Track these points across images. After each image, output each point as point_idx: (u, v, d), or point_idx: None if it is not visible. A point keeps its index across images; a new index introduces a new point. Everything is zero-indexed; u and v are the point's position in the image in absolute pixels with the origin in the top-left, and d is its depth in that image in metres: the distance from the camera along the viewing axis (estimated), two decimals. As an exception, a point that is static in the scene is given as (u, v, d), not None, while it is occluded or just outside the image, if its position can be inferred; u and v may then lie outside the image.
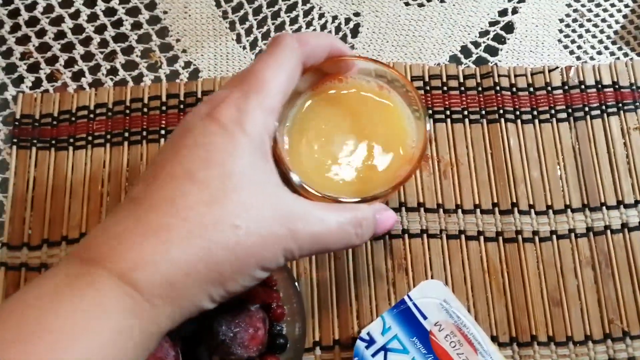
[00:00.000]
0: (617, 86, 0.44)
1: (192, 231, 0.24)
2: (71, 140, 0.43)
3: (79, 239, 0.41)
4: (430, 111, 0.44)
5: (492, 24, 0.46)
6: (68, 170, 0.42)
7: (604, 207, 0.41)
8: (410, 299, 0.33)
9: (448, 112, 0.44)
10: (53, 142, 0.43)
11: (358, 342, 0.32)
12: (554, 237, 0.41)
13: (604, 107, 0.44)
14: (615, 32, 0.46)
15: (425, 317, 0.32)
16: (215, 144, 0.25)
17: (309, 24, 0.47)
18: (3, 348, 0.20)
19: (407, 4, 0.47)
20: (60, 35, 0.46)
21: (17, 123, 0.43)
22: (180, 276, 0.24)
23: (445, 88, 0.44)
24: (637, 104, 0.44)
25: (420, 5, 0.47)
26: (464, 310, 0.32)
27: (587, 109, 0.44)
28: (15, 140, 0.43)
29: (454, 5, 0.47)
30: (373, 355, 0.32)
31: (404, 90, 0.33)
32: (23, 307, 0.22)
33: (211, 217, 0.24)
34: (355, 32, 0.46)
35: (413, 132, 0.32)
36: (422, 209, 0.42)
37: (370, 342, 0.32)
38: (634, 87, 0.44)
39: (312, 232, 0.27)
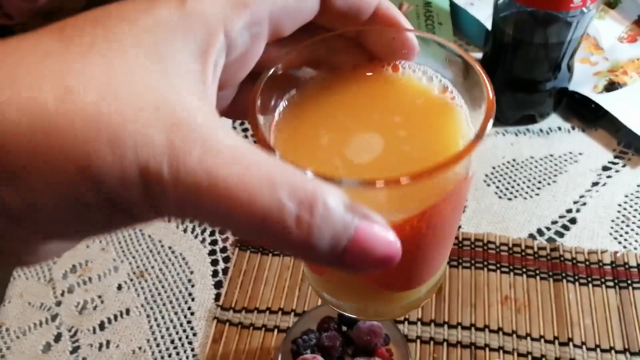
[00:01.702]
0: (654, 270, 0.61)
1: (15, 75, 0.16)
2: (272, 250, 0.68)
3: (265, 311, 0.62)
4: (511, 267, 0.63)
5: (560, 217, 0.67)
6: (266, 268, 0.66)
7: (641, 353, 0.56)
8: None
9: (524, 270, 0.63)
10: (261, 249, 0.68)
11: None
12: (601, 368, 0.55)
13: (643, 282, 0.60)
14: (654, 234, 0.64)
15: (493, 384, 0.48)
16: (123, 11, 0.18)
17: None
18: None
19: (500, 197, 0.70)
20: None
21: (240, 235, 0.69)
22: None
23: (523, 254, 0.64)
24: (671, 284, 0.60)
25: (509, 199, 0.69)
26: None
27: (629, 282, 0.60)
28: (238, 245, 0.69)
29: (533, 201, 0.69)
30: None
31: (477, 92, 0.23)
32: None
33: (38, 66, 0.16)
34: (463, 211, 0.69)
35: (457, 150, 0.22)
36: (500, 332, 0.58)
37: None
38: (668, 273, 0.61)
39: (212, 169, 0.16)
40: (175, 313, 0.64)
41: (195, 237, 0.71)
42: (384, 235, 0.18)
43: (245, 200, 0.16)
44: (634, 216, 0.66)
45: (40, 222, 0.16)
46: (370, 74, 0.25)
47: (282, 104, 0.24)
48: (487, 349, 0.57)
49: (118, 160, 0.15)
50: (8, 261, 0.19)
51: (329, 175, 0.18)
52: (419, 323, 0.60)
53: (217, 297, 0.65)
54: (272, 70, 0.22)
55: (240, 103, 0.22)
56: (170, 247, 0.70)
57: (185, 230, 0.71)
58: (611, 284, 0.61)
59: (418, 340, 0.59)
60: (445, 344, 0.58)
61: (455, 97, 0.24)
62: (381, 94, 0.25)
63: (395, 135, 0.23)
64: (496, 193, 0.70)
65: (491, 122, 0.21)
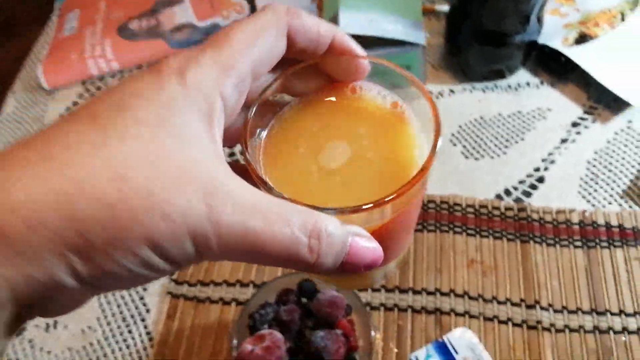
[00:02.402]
0: (622, 227, 0.59)
1: (53, 170, 0.18)
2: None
3: (221, 284, 0.59)
4: (477, 229, 0.61)
5: (528, 176, 0.65)
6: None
7: (608, 313, 0.54)
8: (448, 339, 0.47)
9: (491, 231, 0.60)
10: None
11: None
12: (567, 330, 0.54)
13: (611, 241, 0.58)
14: (623, 190, 0.62)
15: (457, 352, 0.46)
16: (138, 89, 0.21)
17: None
18: None
19: (466, 157, 0.67)
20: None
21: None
22: (21, 228, 0.18)
23: (490, 215, 0.62)
24: (638, 242, 0.58)
25: (476, 159, 0.67)
26: (485, 353, 0.46)
27: (597, 241, 0.59)
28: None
29: (500, 161, 0.66)
30: (418, 373, 0.46)
31: (423, 109, 0.27)
32: None
33: (91, 159, 0.19)
34: (428, 171, 0.66)
35: (419, 157, 0.27)
36: (466, 296, 0.56)
37: (417, 363, 0.46)
38: (636, 230, 0.59)
39: (245, 223, 0.20)
40: (127, 290, 0.60)
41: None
42: (369, 246, 0.23)
43: (270, 241, 0.21)
44: (603, 173, 0.64)
45: (104, 285, 0.20)
46: (334, 96, 0.29)
47: (265, 132, 0.29)
48: (452, 314, 0.55)
49: (171, 230, 0.19)
50: (56, 314, 0.22)
51: (324, 206, 0.23)
52: (382, 290, 0.58)
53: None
54: (254, 109, 0.27)
55: (227, 133, 0.25)
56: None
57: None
58: (579, 244, 0.59)
59: (382, 308, 0.57)
60: (409, 310, 0.56)
61: (405, 111, 0.29)
62: (344, 111, 0.29)
63: (360, 145, 0.28)
64: (462, 153, 0.67)
65: (441, 139, 0.26)
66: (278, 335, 0.47)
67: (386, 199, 0.23)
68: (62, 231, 0.18)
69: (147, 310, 0.59)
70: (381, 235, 0.25)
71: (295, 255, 0.21)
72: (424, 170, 0.25)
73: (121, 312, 0.59)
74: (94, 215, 0.18)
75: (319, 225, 0.22)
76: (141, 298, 0.60)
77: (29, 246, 0.18)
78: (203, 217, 0.20)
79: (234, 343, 0.49)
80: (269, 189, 0.24)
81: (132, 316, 0.59)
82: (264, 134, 0.29)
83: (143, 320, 0.58)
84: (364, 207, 0.23)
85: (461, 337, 0.46)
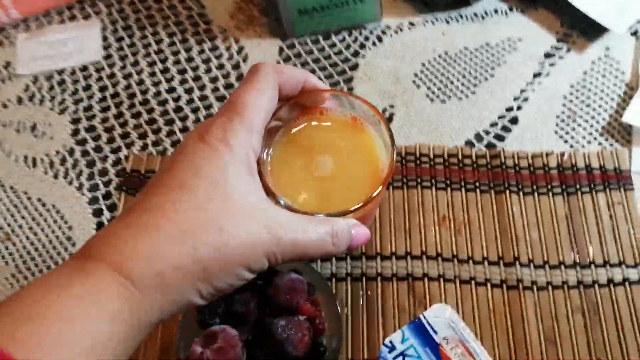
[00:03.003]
0: (604, 169, 0.54)
1: (180, 231, 0.27)
2: (167, 190, 0.56)
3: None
4: (448, 181, 0.54)
5: (500, 117, 0.58)
6: (162, 213, 0.54)
7: (592, 265, 0.50)
8: (425, 318, 0.42)
9: (463, 183, 0.54)
10: (153, 191, 0.56)
11: (383, 347, 0.41)
12: (550, 287, 0.49)
13: (592, 185, 0.53)
14: (602, 127, 0.57)
15: (435, 332, 0.41)
16: (204, 159, 0.29)
17: (354, 112, 0.60)
18: (6, 329, 0.23)
19: (432, 100, 0.60)
20: (164, 112, 0.60)
21: (127, 175, 0.56)
22: (169, 270, 0.26)
23: (461, 164, 0.55)
24: (621, 184, 0.53)
25: (442, 101, 0.60)
26: (467, 329, 0.41)
27: (578, 186, 0.54)
28: (124, 187, 0.56)
29: (469, 102, 0.59)
30: (394, 358, 0.40)
31: (375, 120, 0.37)
32: (18, 301, 0.25)
33: (197, 220, 0.27)
34: (390, 119, 0.59)
35: (383, 157, 0.37)
36: (439, 258, 0.51)
37: (392, 348, 0.41)
38: (618, 171, 0.54)
39: (293, 238, 0.30)
40: (56, 280, 0.52)
41: (70, 183, 0.57)
42: (364, 231, 0.35)
43: (310, 246, 0.31)
44: (581, 109, 0.58)
45: (216, 295, 0.29)
46: (309, 119, 0.39)
47: (268, 152, 0.37)
48: (425, 279, 0.50)
49: (255, 255, 0.29)
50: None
51: (333, 212, 0.34)
52: (348, 259, 0.52)
53: (105, 255, 0.53)
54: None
55: None
56: (39, 200, 0.56)
57: (56, 176, 0.57)
58: (558, 190, 0.54)
59: (348, 278, 0.51)
60: (379, 278, 0.50)
61: (363, 123, 0.38)
62: (318, 126, 0.39)
63: (339, 155, 0.38)
64: (427, 95, 0.60)
65: (395, 149, 0.36)
66: (232, 332, 0.40)
67: (357, 207, 0.34)
68: (192, 270, 0.27)
69: (82, 303, 0.51)
70: (360, 218, 0.36)
71: (324, 251, 0.31)
72: (386, 178, 0.35)
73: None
74: (210, 256, 0.27)
75: (335, 228, 0.32)
76: (73, 290, 0.52)
77: (173, 282, 0.26)
78: (271, 242, 0.29)
79: (180, 344, 0.42)
80: (277, 201, 0.33)
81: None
82: (268, 154, 0.37)
83: (78, 315, 0.51)
84: (351, 209, 0.34)
85: (439, 314, 0.41)
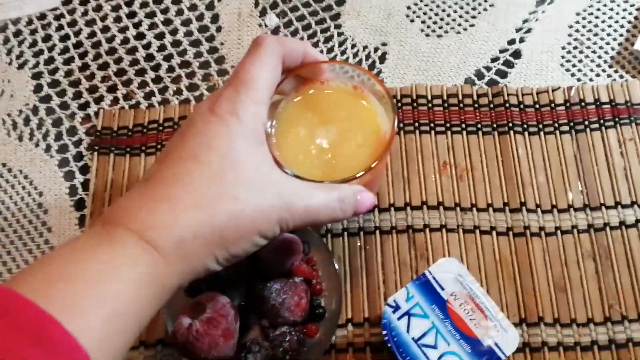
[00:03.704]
0: (613, 103, 0.50)
1: (198, 201, 0.28)
2: (143, 148, 0.51)
3: (148, 230, 0.48)
4: (448, 124, 0.50)
5: (502, 51, 0.54)
6: (140, 173, 0.50)
7: (603, 207, 0.47)
8: (430, 273, 0.39)
9: (464, 125, 0.50)
10: (128, 149, 0.51)
11: (386, 307, 0.38)
12: (559, 232, 0.46)
13: (602, 121, 0.50)
14: (612, 57, 0.53)
15: (442, 288, 0.38)
16: (214, 131, 0.30)
17: (343, 53, 0.54)
18: (33, 288, 0.24)
19: (427, 35, 0.55)
20: (134, 62, 0.55)
21: (98, 134, 0.52)
22: (189, 237, 0.28)
23: (461, 105, 0.51)
24: (632, 118, 0.50)
25: (439, 36, 0.55)
26: (476, 284, 0.38)
27: (587, 122, 0.50)
28: (96, 147, 0.51)
29: (468, 35, 0.54)
30: (399, 319, 0.37)
31: (375, 87, 0.37)
32: (48, 262, 0.26)
33: (213, 190, 0.29)
34: (382, 59, 0.54)
35: (385, 123, 0.37)
36: (441, 207, 0.48)
37: (396, 307, 0.38)
38: (629, 104, 0.50)
39: (304, 205, 0.31)
40: (30, 251, 0.49)
41: (36, 145, 0.52)
42: (369, 196, 0.35)
43: (321, 212, 0.32)
44: (588, 39, 0.54)
45: (231, 261, 0.30)
46: (311, 89, 0.39)
47: (272, 124, 0.37)
48: (427, 230, 0.47)
49: (269, 222, 0.30)
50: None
51: (338, 179, 0.34)
52: (343, 213, 0.48)
53: (81, 221, 0.49)
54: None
55: None
56: (4, 165, 0.51)
57: (20, 138, 0.52)
58: (566, 128, 0.50)
59: (345, 234, 0.47)
60: (377, 232, 0.47)
61: (363, 91, 0.38)
62: (320, 96, 0.39)
63: (341, 123, 0.38)
64: (422, 30, 0.55)
65: (397, 117, 0.37)
66: (223, 299, 0.37)
67: (360, 174, 0.34)
68: (210, 238, 0.28)
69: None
70: (366, 184, 0.36)
71: (333, 216, 0.33)
72: (388, 146, 0.35)
73: (28, 281, 0.48)
74: (227, 224, 0.29)
75: (342, 194, 0.33)
76: (50, 260, 0.48)
77: (193, 249, 0.28)
78: (283, 209, 0.30)
79: (167, 314, 0.39)
80: (283, 172, 0.33)
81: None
82: (272, 126, 0.37)
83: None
84: (354, 176, 0.34)
85: (446, 269, 0.38)
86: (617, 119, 0.50)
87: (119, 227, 0.27)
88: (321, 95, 0.38)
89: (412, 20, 0.55)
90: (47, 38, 0.56)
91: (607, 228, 0.46)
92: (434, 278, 0.38)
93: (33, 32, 0.56)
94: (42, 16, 0.57)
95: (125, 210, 0.28)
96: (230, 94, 0.31)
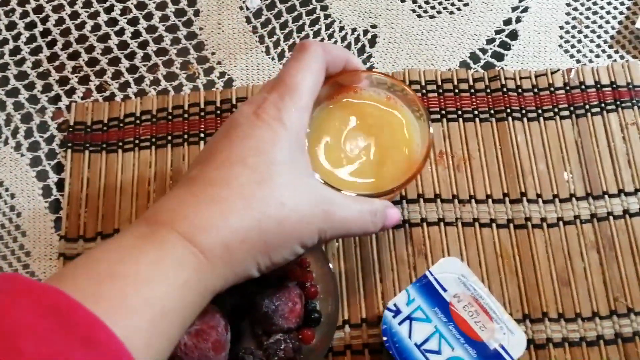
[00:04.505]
0: (615, 85, 0.48)
1: (246, 204, 0.28)
2: (120, 143, 0.48)
3: (129, 232, 0.45)
4: (443, 111, 0.48)
5: (497, 32, 0.51)
6: (118, 171, 0.47)
7: (606, 196, 0.45)
8: (431, 274, 0.37)
9: (460, 112, 0.48)
10: (104, 145, 0.48)
11: (386, 312, 0.36)
12: (561, 223, 0.44)
13: (603, 104, 0.48)
14: (612, 37, 0.50)
15: (445, 290, 0.36)
16: (262, 136, 0.30)
17: (330, 36, 0.51)
18: (82, 287, 0.23)
19: (419, 16, 0.52)
20: (107, 50, 0.51)
21: (71, 129, 0.48)
22: (236, 242, 0.27)
23: (456, 90, 0.49)
24: (634, 101, 0.48)
25: (432, 17, 0.52)
26: (479, 284, 0.36)
27: (587, 106, 0.48)
28: (69, 144, 0.48)
29: (462, 16, 0.52)
30: (400, 323, 0.35)
31: (409, 99, 0.37)
32: (94, 260, 0.26)
33: (261, 194, 0.28)
34: (372, 42, 0.51)
35: (418, 136, 0.37)
36: (438, 200, 0.46)
37: (397, 312, 0.36)
38: (631, 87, 0.48)
39: (341, 216, 0.31)
40: (4, 258, 0.45)
41: (5, 142, 0.49)
42: (396, 212, 0.35)
43: (354, 225, 0.32)
44: (587, 18, 0.51)
45: (270, 268, 0.30)
46: (344, 97, 0.38)
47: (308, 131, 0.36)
48: (424, 224, 0.45)
49: (310, 232, 0.30)
50: None
51: (379, 192, 0.34)
52: (336, 208, 0.46)
53: (57, 224, 0.46)
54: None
55: None
56: (-30, 165, 0.48)
57: (-14, 136, 0.49)
58: (566, 112, 0.48)
59: (338, 230, 0.45)
60: (372, 227, 0.45)
61: (396, 101, 0.38)
62: (353, 105, 0.38)
63: (371, 132, 0.37)
64: (414, 11, 0.52)
65: (432, 128, 0.37)
66: (212, 309, 0.35)
67: (393, 188, 0.35)
68: (256, 243, 0.28)
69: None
70: (391, 196, 0.38)
71: (365, 229, 0.33)
72: (424, 160, 0.36)
73: None
74: (273, 230, 0.28)
75: (374, 208, 0.33)
76: (25, 266, 0.45)
77: (239, 254, 0.28)
78: (323, 219, 0.30)
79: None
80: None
81: (18, 292, 0.44)
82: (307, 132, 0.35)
83: (33, 295, 0.44)
84: (389, 189, 0.35)
85: (447, 269, 0.36)
86: (618, 102, 0.48)
87: (166, 228, 0.27)
88: (355, 104, 0.38)
89: (403, 0, 0.52)
90: (11, 26, 0.52)
91: (611, 217, 0.45)
92: (436, 279, 0.36)
93: (-5, 19, 0.52)
94: (4, 2, 0.53)
95: (172, 210, 0.28)
96: (275, 99, 0.31)
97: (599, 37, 0.50)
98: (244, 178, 0.29)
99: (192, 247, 0.27)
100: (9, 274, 0.24)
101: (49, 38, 0.51)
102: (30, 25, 0.52)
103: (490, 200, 0.45)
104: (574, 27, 0.51)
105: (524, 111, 0.48)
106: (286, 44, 0.51)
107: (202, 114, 0.48)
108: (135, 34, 0.51)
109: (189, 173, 0.30)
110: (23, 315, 0.21)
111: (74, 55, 0.51)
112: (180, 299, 0.26)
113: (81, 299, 0.22)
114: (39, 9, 0.52)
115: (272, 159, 0.29)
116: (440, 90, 0.49)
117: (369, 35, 0.51)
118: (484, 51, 0.50)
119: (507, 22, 0.51)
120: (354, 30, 0.51)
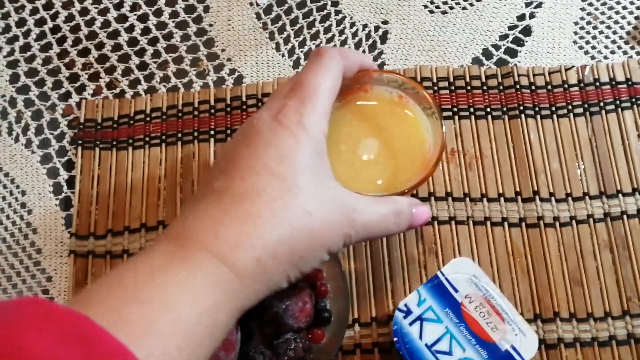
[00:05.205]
0: (630, 82, 0.47)
1: (276, 217, 0.27)
2: (130, 141, 0.48)
3: (140, 229, 0.45)
4: (455, 109, 0.47)
5: (511, 28, 0.50)
6: (128, 168, 0.47)
7: (620, 194, 0.45)
8: (443, 275, 0.36)
9: (472, 110, 0.47)
10: (114, 143, 0.48)
11: (397, 312, 0.35)
12: (574, 222, 0.44)
13: (618, 102, 0.47)
14: (628, 33, 0.49)
15: (456, 290, 0.36)
16: (284, 142, 0.29)
17: (341, 32, 0.51)
18: (99, 313, 0.22)
19: (431, 11, 0.51)
20: (117, 47, 0.51)
21: (81, 126, 0.48)
22: (269, 258, 0.27)
23: (469, 87, 0.48)
24: (650, 98, 0.47)
25: (444, 12, 0.51)
26: (491, 284, 0.36)
27: (602, 104, 0.47)
28: (80, 142, 0.48)
29: (475, 11, 0.51)
30: (410, 324, 0.35)
31: (421, 98, 0.36)
32: (120, 282, 0.25)
33: (291, 205, 0.28)
34: (384, 38, 0.50)
35: (430, 135, 0.36)
36: (450, 198, 0.45)
37: (408, 312, 0.35)
38: (647, 83, 0.47)
39: (365, 220, 0.31)
40: (15, 255, 0.46)
41: (16, 139, 0.49)
42: (425, 210, 0.35)
43: (377, 227, 0.32)
44: (603, 13, 0.50)
45: (299, 278, 0.30)
46: (355, 96, 0.37)
47: None
48: (435, 223, 0.45)
49: (337, 240, 0.30)
50: None
51: (393, 193, 0.34)
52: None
53: (68, 221, 0.46)
54: None
55: None
56: (-18, 162, 0.48)
57: (-2, 133, 0.49)
58: (580, 110, 0.47)
59: (348, 228, 0.45)
60: (382, 225, 0.45)
61: (409, 101, 0.37)
62: (365, 105, 0.38)
63: (383, 135, 0.37)
64: (426, 6, 0.51)
65: (445, 127, 0.36)
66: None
67: (409, 188, 0.34)
68: (287, 256, 0.28)
69: (49, 279, 0.45)
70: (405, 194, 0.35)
71: (388, 231, 0.33)
72: (437, 161, 0.35)
73: (14, 286, 0.45)
74: (301, 241, 0.28)
75: (398, 207, 0.33)
76: (37, 264, 0.45)
77: (270, 269, 0.27)
78: (348, 226, 0.30)
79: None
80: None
81: (30, 288, 0.45)
82: None
83: (46, 292, 0.45)
84: (407, 188, 0.34)
85: (459, 270, 0.36)
86: (634, 100, 0.47)
87: (195, 246, 0.26)
88: (367, 104, 0.38)
89: (414, -4, 0.51)
90: (21, 22, 0.52)
91: (625, 216, 0.44)
92: (447, 279, 0.36)
93: (5, 16, 0.52)
94: (14, -2, 0.53)
95: (201, 227, 0.27)
96: (296, 105, 0.30)
97: (615, 32, 0.50)
98: (274, 190, 0.28)
99: (223, 266, 0.26)
100: (31, 299, 0.23)
101: (59, 35, 0.51)
102: (40, 22, 0.52)
103: (502, 198, 0.45)
104: (588, 22, 0.50)
105: (537, 108, 0.47)
106: (297, 41, 0.51)
107: (212, 111, 0.48)
108: (145, 31, 0.51)
109: (211, 183, 0.29)
110: (48, 344, 0.21)
111: (84, 52, 0.51)
112: (209, 320, 0.25)
113: (107, 325, 0.22)
114: (48, 6, 0.52)
115: (297, 166, 0.29)
116: (452, 87, 0.48)
117: (380, 32, 0.51)
118: (497, 47, 0.50)
119: (521, 17, 0.50)
120: (365, 26, 0.51)
